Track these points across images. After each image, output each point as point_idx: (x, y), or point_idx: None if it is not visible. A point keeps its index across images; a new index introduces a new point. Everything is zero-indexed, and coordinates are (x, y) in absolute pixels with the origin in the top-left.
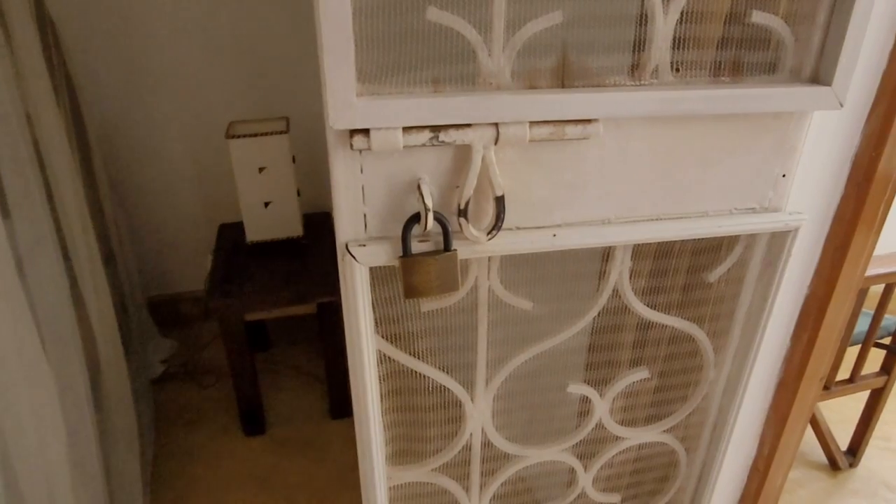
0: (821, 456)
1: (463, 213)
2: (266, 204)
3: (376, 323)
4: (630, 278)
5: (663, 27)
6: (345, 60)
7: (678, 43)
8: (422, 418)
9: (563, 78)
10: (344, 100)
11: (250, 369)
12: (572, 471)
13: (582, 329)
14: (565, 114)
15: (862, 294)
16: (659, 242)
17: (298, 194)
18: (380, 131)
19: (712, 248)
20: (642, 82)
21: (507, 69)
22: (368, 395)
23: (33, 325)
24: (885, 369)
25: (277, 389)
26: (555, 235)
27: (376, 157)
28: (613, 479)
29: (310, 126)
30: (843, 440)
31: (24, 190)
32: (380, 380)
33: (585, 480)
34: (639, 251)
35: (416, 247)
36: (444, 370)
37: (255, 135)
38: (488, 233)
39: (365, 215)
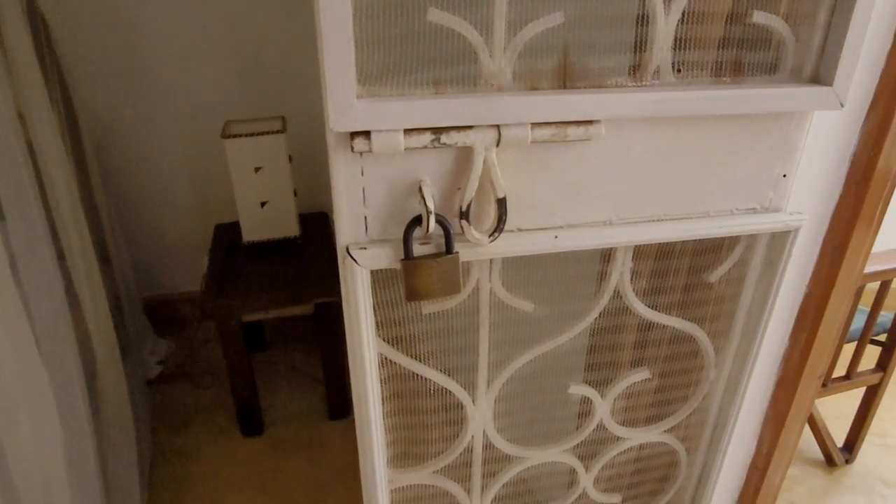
0: (817, 452)
1: (464, 215)
2: (262, 204)
3: (377, 326)
4: (631, 279)
5: (664, 28)
6: (345, 62)
7: (679, 43)
8: (423, 421)
9: (565, 79)
10: (344, 102)
11: (247, 370)
12: (573, 471)
13: (583, 330)
14: (567, 115)
15: (858, 291)
16: (660, 243)
17: (295, 194)
18: (381, 133)
19: (713, 249)
20: (644, 83)
21: (508, 70)
22: (370, 399)
23: (28, 326)
24: (881, 366)
25: (275, 390)
26: (556, 237)
27: (377, 160)
28: (614, 479)
29: (306, 125)
30: (839, 436)
31: (18, 191)
32: (381, 383)
33: (586, 481)
34: (640, 252)
35: (418, 249)
36: (445, 372)
37: (252, 134)
38: (490, 235)
39: (366, 218)
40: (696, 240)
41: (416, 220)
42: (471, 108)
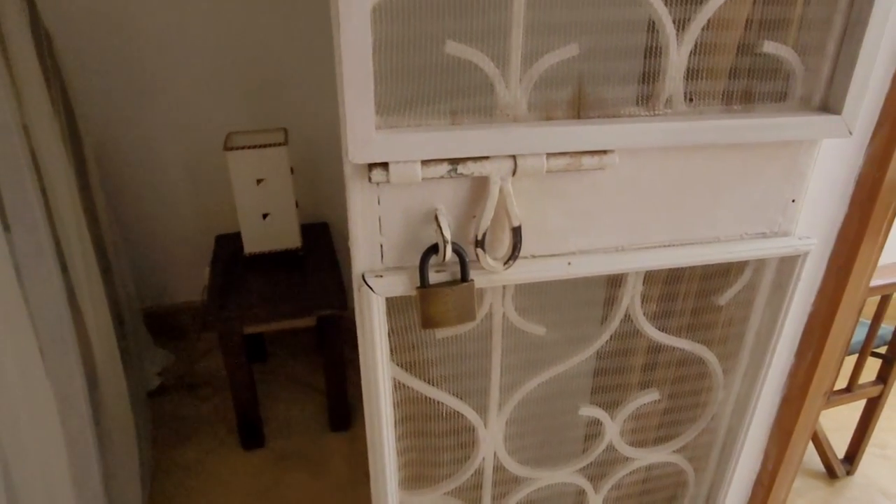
0: (818, 464)
1: (480, 243)
2: (264, 216)
3: (391, 351)
4: (641, 303)
5: (676, 59)
6: (365, 95)
7: (691, 73)
8: (434, 443)
9: (580, 109)
10: (364, 135)
11: (249, 383)
12: (582, 492)
13: (593, 353)
14: (582, 145)
15: (859, 305)
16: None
17: (297, 206)
18: (398, 165)
19: (721, 272)
20: (656, 112)
21: (523, 101)
22: (383, 423)
23: (34, 337)
24: (882, 378)
25: (275, 401)
26: (570, 263)
27: (393, 189)
28: (623, 499)
29: (307, 137)
30: (839, 448)
31: (24, 202)
32: (393, 406)
33: (595, 502)
34: (650, 276)
35: (433, 277)
36: (457, 396)
37: (254, 146)
38: (505, 262)
39: (381, 246)
40: (705, 264)
41: (433, 249)
42: (487, 139)
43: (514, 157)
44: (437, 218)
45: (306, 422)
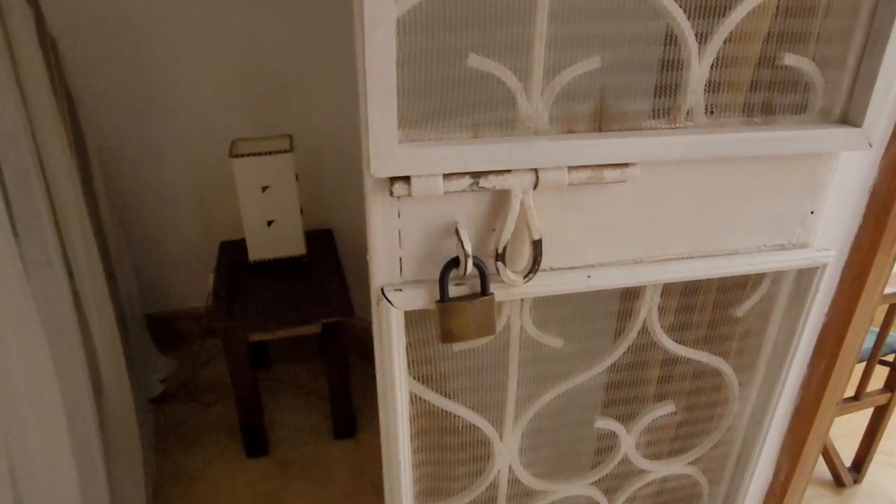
0: (826, 472)
1: (500, 257)
2: (269, 223)
3: (408, 364)
4: (658, 315)
5: (697, 72)
6: (388, 109)
7: (712, 86)
8: (449, 457)
9: (601, 122)
10: (386, 148)
11: (254, 390)
12: None
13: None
14: (603, 158)
15: None
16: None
17: (301, 212)
18: (420, 178)
19: (739, 284)
20: (677, 125)
21: (545, 114)
22: (400, 437)
23: (45, 344)
24: (889, 386)
25: (279, 408)
26: (589, 276)
27: (414, 202)
28: None
29: (312, 143)
30: (847, 456)
31: (32, 208)
32: (410, 420)
33: None
34: (667, 288)
35: (453, 290)
36: (473, 409)
37: (259, 154)
38: (525, 276)
39: (401, 259)
40: (723, 276)
41: (453, 262)
42: (509, 153)
43: (535, 170)
44: (457, 231)
45: (310, 429)
